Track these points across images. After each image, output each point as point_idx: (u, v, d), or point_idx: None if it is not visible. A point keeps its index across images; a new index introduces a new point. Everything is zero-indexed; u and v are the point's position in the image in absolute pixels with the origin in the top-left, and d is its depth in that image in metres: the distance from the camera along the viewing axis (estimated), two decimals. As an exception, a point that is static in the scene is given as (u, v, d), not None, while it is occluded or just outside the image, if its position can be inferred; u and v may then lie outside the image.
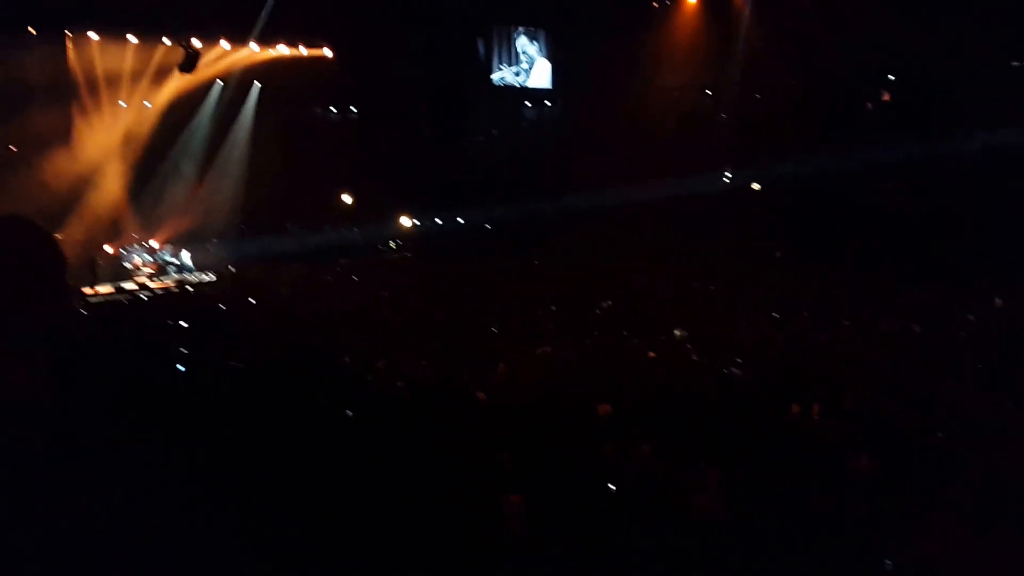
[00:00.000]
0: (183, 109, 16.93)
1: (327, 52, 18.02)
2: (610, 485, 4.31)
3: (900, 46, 14.26)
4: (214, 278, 16.02)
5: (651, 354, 7.80)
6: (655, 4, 18.25)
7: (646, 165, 16.41)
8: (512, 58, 20.41)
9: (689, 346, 8.20)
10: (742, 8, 17.39)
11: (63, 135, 15.19)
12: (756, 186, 17.54)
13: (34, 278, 1.67)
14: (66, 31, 14.76)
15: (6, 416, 1.54)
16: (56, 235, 14.08)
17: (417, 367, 7.63)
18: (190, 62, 14.93)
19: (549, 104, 21.03)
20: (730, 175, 17.88)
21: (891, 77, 16.32)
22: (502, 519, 3.74)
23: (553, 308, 10.92)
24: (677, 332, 8.78)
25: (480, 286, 13.19)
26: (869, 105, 16.83)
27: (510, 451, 4.65)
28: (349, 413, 5.12)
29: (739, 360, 7.37)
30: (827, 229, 14.55)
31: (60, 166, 14.95)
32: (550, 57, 20.68)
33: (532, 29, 20.42)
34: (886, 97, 16.51)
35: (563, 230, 16.49)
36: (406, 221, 19.10)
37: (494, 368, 7.31)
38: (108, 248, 15.80)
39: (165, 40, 15.79)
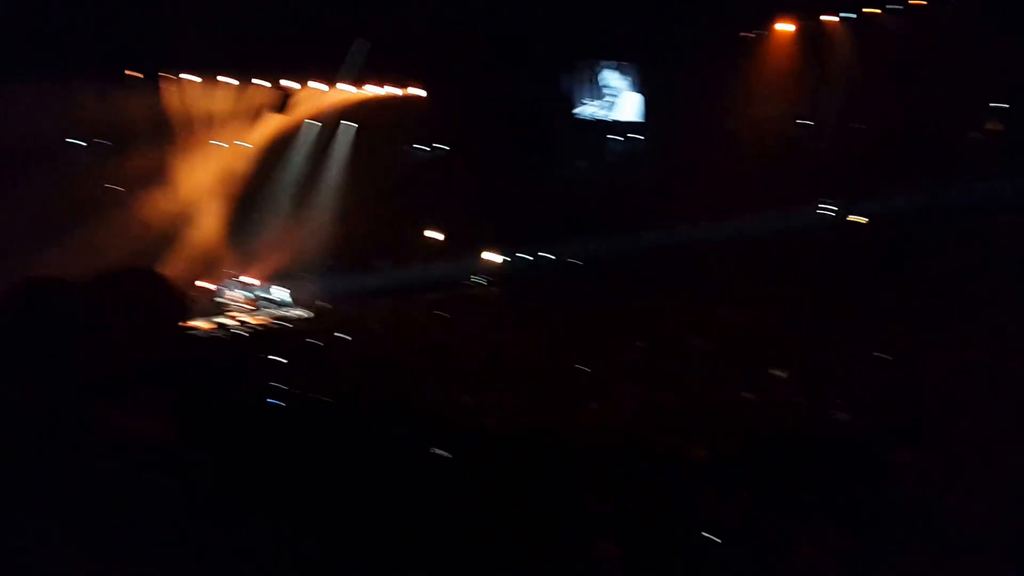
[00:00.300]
0: (277, 148, 17.70)
1: (415, 91, 18.55)
2: (707, 535, 4.19)
3: (1010, 73, 13.69)
4: (308, 314, 16.52)
5: (748, 395, 7.60)
6: (747, 34, 18.09)
7: (740, 197, 16.14)
8: (598, 92, 20.50)
9: (789, 387, 7.96)
10: (839, 35, 17.07)
11: (162, 174, 16.09)
12: (858, 219, 17.02)
13: (158, 327, 1.77)
14: (164, 74, 15.66)
15: (133, 459, 1.62)
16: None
17: (506, 404, 7.64)
18: (283, 103, 15.72)
19: (637, 137, 20.99)
20: (830, 207, 17.41)
21: (1001, 105, 15.66)
22: (596, 568, 3.69)
23: (643, 345, 10.80)
24: (776, 372, 8.54)
25: (568, 322, 13.17)
26: (976, 135, 16.18)
27: (602, 495, 4.58)
28: (438, 451, 5.16)
29: (843, 403, 7.11)
30: (936, 264, 13.96)
31: (159, 204, 15.85)
32: (637, 89, 20.67)
33: (618, 62, 20.49)
34: (994, 127, 15.84)
35: (653, 265, 16.34)
36: (493, 256, 19.30)
37: (584, 407, 7.27)
38: (205, 284, 16.51)
39: (258, 81, 16.59)
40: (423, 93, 18.64)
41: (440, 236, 19.36)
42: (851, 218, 17.11)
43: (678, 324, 12.21)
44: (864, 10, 16.64)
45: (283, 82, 16.83)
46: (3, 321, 1.86)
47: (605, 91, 20.58)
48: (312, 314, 16.55)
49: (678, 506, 4.55)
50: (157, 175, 15.91)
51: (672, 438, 5.93)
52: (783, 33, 17.71)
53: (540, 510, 4.33)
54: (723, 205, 16.07)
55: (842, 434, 6.22)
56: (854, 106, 16.71)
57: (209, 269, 16.70)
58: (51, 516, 1.55)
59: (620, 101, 20.68)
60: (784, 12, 17.44)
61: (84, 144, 15.00)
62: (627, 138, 21.02)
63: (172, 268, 15.41)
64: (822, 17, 17.20)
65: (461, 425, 6.58)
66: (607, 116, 20.67)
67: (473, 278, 18.92)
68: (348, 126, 18.63)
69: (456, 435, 6.20)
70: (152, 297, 1.82)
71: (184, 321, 1.89)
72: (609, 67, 20.54)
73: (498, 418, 6.81)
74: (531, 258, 19.16)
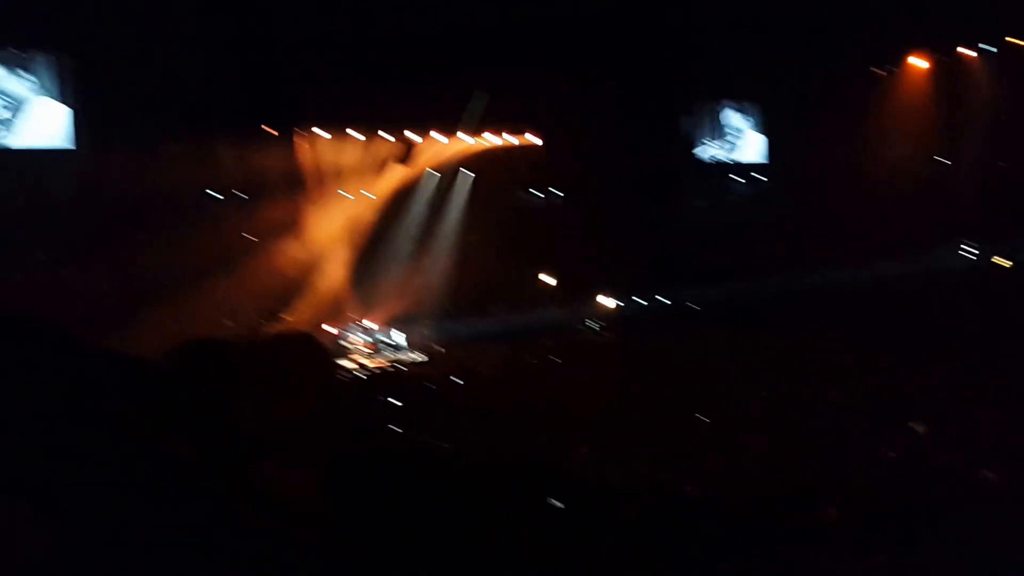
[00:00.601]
0: (398, 198, 18.44)
1: (532, 138, 18.93)
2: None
3: None
4: (423, 357, 16.90)
5: (885, 451, 7.20)
6: (878, 70, 17.51)
7: (873, 240, 15.51)
8: (719, 132, 20.30)
9: (931, 444, 7.48)
10: (978, 69, 16.28)
11: (292, 224, 17.03)
12: (1002, 261, 16.02)
13: (312, 392, 1.88)
14: (296, 129, 16.64)
15: (284, 517, 1.71)
16: (285, 316, 15.70)
17: (622, 455, 7.53)
18: (406, 154, 16.56)
19: (759, 178, 20.58)
20: (972, 249, 16.48)
21: None
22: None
23: (769, 396, 10.44)
24: (916, 426, 8.06)
25: (687, 370, 12.90)
26: None
27: (724, 555, 4.43)
28: (554, 502, 5.12)
29: (992, 462, 6.61)
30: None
31: (289, 252, 16.75)
32: (760, 129, 20.35)
33: (739, 102, 20.27)
34: None
35: (780, 310, 15.83)
36: (608, 301, 19.21)
37: (704, 460, 7.08)
38: (329, 328, 17.18)
39: (383, 135, 17.41)
40: (539, 141, 18.98)
41: (554, 281, 19.47)
42: (995, 260, 16.13)
43: (807, 373, 11.73)
44: (1007, 39, 15.82)
45: (406, 134, 17.62)
46: (164, 380, 2.01)
47: (726, 131, 20.37)
48: (427, 358, 16.91)
49: (806, 570, 4.35)
50: (288, 225, 16.88)
51: (800, 496, 5.69)
52: (916, 68, 17.04)
53: (659, 567, 4.23)
54: (854, 248, 15.47)
55: (991, 497, 5.78)
56: (996, 143, 15.84)
57: (333, 314, 17.37)
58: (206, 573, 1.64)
59: (742, 142, 20.40)
60: (917, 46, 16.79)
61: (221, 197, 16.06)
62: (750, 179, 20.65)
63: (300, 313, 16.22)
64: (959, 50, 16.46)
65: (576, 475, 6.53)
66: (728, 157, 20.41)
67: (587, 323, 18.87)
68: (466, 174, 19.17)
69: (571, 485, 6.16)
70: (306, 362, 1.95)
71: (335, 387, 2.01)
72: (730, 107, 20.33)
73: (614, 469, 6.71)
74: (647, 303, 18.96)
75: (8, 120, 14.32)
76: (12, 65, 14.26)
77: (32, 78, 14.43)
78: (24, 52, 14.33)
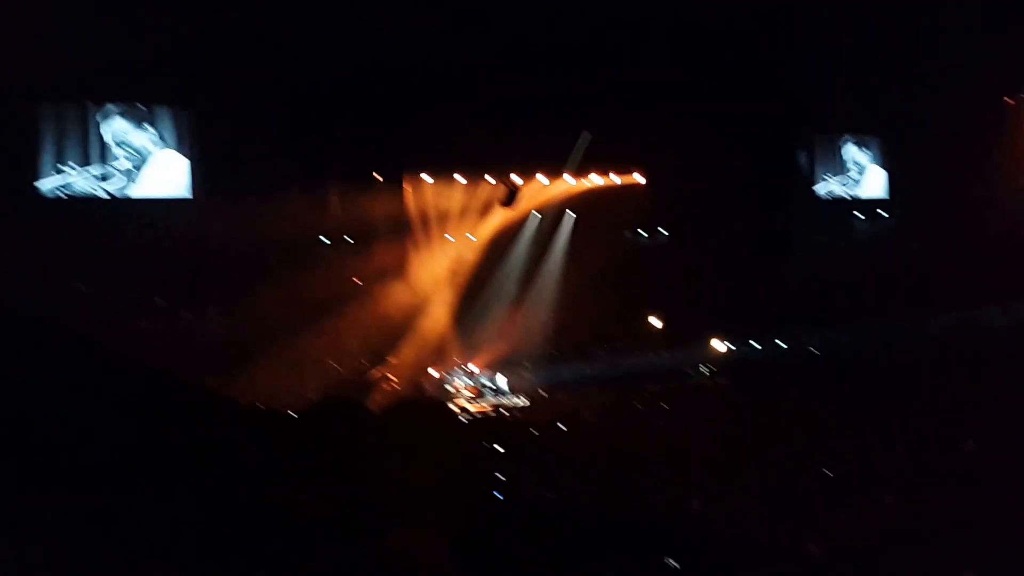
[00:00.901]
0: (503, 241, 18.82)
1: (638, 178, 19.00)
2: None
3: None
4: (525, 402, 17.01)
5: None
6: (1008, 100, 16.81)
7: (1004, 279, 14.78)
8: (839, 168, 19.91)
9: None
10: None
11: (399, 268, 17.61)
12: None
13: (444, 463, 2.02)
14: (404, 174, 17.28)
15: None
16: (392, 359, 16.17)
17: (738, 511, 7.38)
18: (510, 197, 17.05)
19: (884, 215, 19.99)
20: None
21: None
22: None
23: (900, 449, 10.03)
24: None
25: (807, 419, 12.51)
26: None
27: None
28: (670, 562, 5.09)
29: None
30: None
31: (396, 296, 17.32)
32: (884, 164, 19.83)
33: (861, 136, 19.84)
34: None
35: (905, 355, 15.21)
36: (720, 345, 18.88)
37: (829, 519, 6.87)
38: (433, 371, 17.55)
39: (488, 178, 17.90)
40: (644, 180, 19.03)
41: (661, 323, 19.29)
42: None
43: (942, 424, 11.20)
44: None
45: (511, 176, 18.07)
46: (295, 435, 2.18)
47: (847, 166, 19.98)
48: (530, 403, 16.99)
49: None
50: (394, 269, 17.53)
51: (935, 557, 5.46)
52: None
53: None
54: (986, 289, 14.77)
55: None
56: None
57: (438, 357, 17.76)
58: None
59: (864, 177, 19.94)
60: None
61: (330, 242, 16.80)
62: (872, 216, 20.10)
63: (405, 356, 16.69)
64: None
65: (690, 532, 6.44)
66: (849, 193, 19.98)
67: (698, 368, 18.58)
68: (570, 216, 19.39)
69: (685, 543, 6.08)
70: (439, 432, 2.08)
71: (466, 457, 2.14)
72: (851, 140, 19.94)
73: (730, 526, 6.59)
74: (763, 347, 18.52)
75: (131, 171, 15.42)
76: (136, 119, 15.39)
77: (154, 131, 15.54)
78: (147, 106, 15.46)
